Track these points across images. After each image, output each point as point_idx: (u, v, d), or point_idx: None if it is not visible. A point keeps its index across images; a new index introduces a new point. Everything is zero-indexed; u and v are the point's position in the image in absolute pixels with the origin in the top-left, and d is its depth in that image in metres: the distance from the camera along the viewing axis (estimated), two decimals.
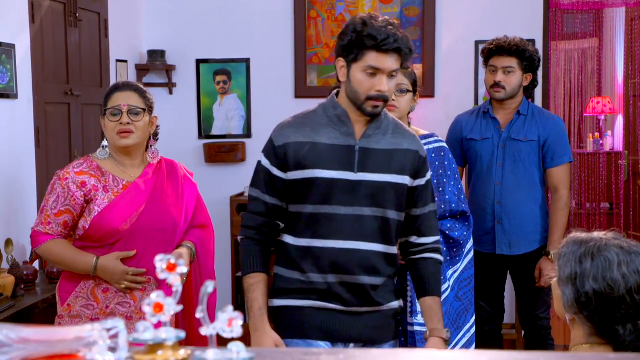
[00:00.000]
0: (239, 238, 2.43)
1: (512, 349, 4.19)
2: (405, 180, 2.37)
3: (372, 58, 2.24)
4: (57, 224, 2.72)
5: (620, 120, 7.53)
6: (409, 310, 2.91)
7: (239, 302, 4.95)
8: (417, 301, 2.68)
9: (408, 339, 2.92)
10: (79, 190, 2.70)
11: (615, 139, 7.90)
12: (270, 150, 2.39)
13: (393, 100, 2.92)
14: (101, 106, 2.81)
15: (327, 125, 2.35)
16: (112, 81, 4.71)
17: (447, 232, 3.01)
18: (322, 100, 2.45)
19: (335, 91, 2.40)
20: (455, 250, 3.03)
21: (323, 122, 2.36)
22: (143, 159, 2.85)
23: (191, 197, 2.92)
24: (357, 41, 2.23)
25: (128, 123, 2.71)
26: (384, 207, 2.34)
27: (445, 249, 2.99)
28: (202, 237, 2.96)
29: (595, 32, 7.73)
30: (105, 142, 2.81)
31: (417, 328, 2.89)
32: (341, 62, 2.30)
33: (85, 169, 2.75)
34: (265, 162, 2.40)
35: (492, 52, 3.63)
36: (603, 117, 8.08)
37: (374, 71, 2.25)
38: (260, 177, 2.40)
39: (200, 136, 5.21)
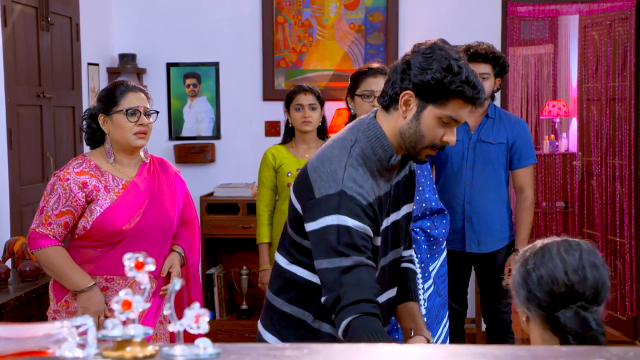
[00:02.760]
0: (347, 320, 1.85)
1: (472, 343, 4.36)
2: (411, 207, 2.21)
3: (457, 108, 1.91)
4: (58, 225, 2.69)
5: (574, 123, 7.76)
6: None
7: (209, 299, 5.06)
8: None
9: None
10: (80, 191, 2.68)
11: (569, 140, 8.13)
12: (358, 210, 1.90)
13: (376, 107, 3.03)
14: (102, 104, 2.78)
15: (375, 173, 1.97)
16: (84, 84, 4.78)
17: (428, 231, 3.06)
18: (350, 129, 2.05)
19: (374, 122, 2.00)
20: (434, 247, 3.08)
21: (375, 168, 1.97)
22: (138, 158, 2.87)
23: (181, 194, 2.97)
24: (449, 85, 1.88)
25: (146, 124, 2.75)
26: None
27: (425, 246, 3.04)
28: (188, 237, 2.99)
29: (550, 38, 7.94)
30: (108, 143, 2.79)
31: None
32: (413, 98, 1.93)
33: (85, 169, 2.73)
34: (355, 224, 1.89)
35: (467, 58, 3.69)
36: (558, 120, 8.31)
37: (450, 121, 1.93)
38: (355, 239, 1.88)
39: (171, 137, 5.30)
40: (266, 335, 2.13)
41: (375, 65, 3.15)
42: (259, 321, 2.22)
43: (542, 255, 1.69)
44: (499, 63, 3.69)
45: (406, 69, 1.92)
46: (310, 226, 1.91)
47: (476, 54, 3.67)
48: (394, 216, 2.08)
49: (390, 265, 2.10)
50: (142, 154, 2.88)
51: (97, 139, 2.82)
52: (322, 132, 3.92)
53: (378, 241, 1.99)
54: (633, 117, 5.07)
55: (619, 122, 5.18)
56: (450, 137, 1.95)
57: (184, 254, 2.95)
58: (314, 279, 1.98)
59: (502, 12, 5.10)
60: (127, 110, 2.73)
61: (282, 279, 2.08)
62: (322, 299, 1.92)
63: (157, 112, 2.85)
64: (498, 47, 5.02)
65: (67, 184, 2.68)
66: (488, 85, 3.69)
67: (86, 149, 4.72)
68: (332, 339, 2.03)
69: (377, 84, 3.00)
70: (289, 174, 3.82)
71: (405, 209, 2.15)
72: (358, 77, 3.07)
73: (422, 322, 2.21)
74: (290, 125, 3.89)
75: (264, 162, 3.91)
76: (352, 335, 1.84)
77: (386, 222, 2.03)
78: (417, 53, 1.92)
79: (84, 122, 2.85)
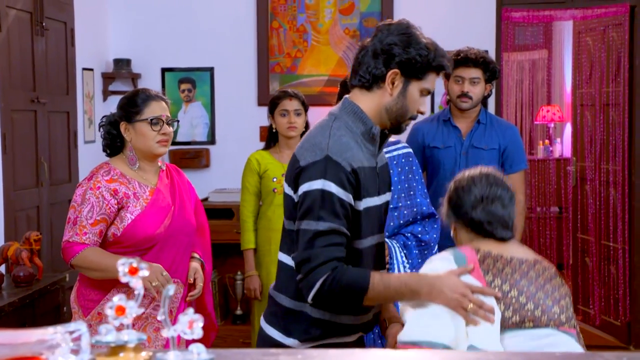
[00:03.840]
0: (321, 279, 1.92)
1: None
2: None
3: (432, 80, 2.09)
4: (94, 234, 2.67)
5: (568, 128, 7.78)
6: None
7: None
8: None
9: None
10: (112, 198, 2.68)
11: (564, 145, 8.16)
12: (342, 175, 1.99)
13: None
14: (124, 111, 2.78)
15: (359, 144, 2.07)
16: (79, 89, 4.78)
17: (419, 236, 3.07)
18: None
19: (348, 101, 2.12)
20: (425, 252, 3.09)
21: (358, 139, 2.08)
22: (157, 165, 2.88)
23: (195, 200, 3.00)
24: (431, 61, 2.05)
25: (168, 133, 2.78)
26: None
27: (417, 251, 3.06)
28: (203, 244, 3.02)
29: (544, 43, 7.96)
30: (131, 151, 2.78)
31: None
32: (399, 76, 2.05)
33: (113, 177, 2.72)
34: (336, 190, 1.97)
35: (458, 62, 3.68)
36: (552, 125, 8.33)
37: (426, 93, 2.11)
38: (335, 206, 1.96)
39: None
40: (270, 330, 2.15)
41: None
42: (262, 317, 2.23)
43: (455, 188, 2.19)
44: (489, 68, 3.71)
45: (388, 50, 2.03)
46: (299, 191, 1.99)
47: (466, 58, 3.68)
48: (376, 200, 2.13)
49: (370, 250, 2.13)
50: (159, 161, 2.91)
51: (116, 145, 2.82)
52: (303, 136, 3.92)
53: (360, 206, 2.05)
54: (627, 122, 5.09)
55: (612, 128, 5.20)
56: (424, 107, 2.13)
57: (202, 260, 2.98)
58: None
59: (497, 18, 5.12)
60: (151, 120, 2.75)
61: (283, 274, 2.13)
62: (292, 256, 2.01)
63: (178, 121, 2.91)
64: (493, 52, 5.04)
65: (99, 192, 2.68)
66: (478, 90, 3.70)
67: (81, 154, 4.72)
68: (335, 327, 2.09)
69: None
70: (275, 179, 3.82)
71: (385, 197, 2.20)
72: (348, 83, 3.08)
73: (394, 310, 2.29)
74: (274, 130, 3.89)
75: (248, 168, 3.90)
76: (330, 289, 1.92)
77: (368, 203, 2.08)
78: (390, 34, 2.05)
79: (102, 129, 2.84)
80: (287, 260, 2.10)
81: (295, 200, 2.02)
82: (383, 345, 2.97)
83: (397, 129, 2.13)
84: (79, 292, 2.78)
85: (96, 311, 2.75)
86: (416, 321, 2.00)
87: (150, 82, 5.23)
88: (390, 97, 2.07)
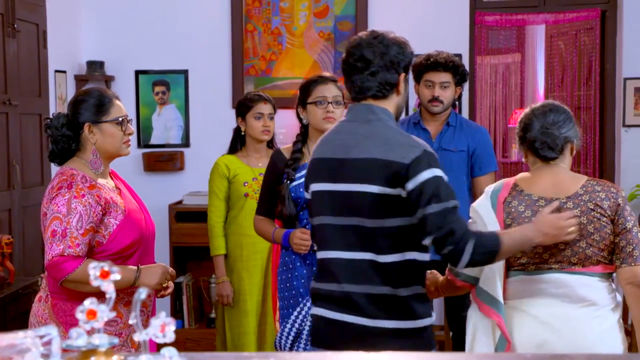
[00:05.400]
0: (469, 247, 2.20)
1: (441, 350, 4.39)
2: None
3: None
4: (85, 244, 2.49)
5: None
6: None
7: (178, 308, 5.03)
8: None
9: None
10: (97, 205, 2.53)
11: None
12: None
13: (332, 112, 3.08)
14: (89, 112, 2.62)
15: None
16: (51, 91, 4.74)
17: None
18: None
19: (380, 108, 2.37)
20: None
21: None
22: (108, 167, 2.75)
23: None
24: (411, 57, 2.40)
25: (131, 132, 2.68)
26: None
27: None
28: None
29: (517, 47, 8.03)
30: (93, 154, 2.63)
31: None
32: (403, 76, 2.37)
33: (91, 183, 2.57)
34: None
35: (428, 67, 3.71)
36: None
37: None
38: (449, 188, 2.27)
39: (139, 145, 5.27)
40: (386, 323, 2.28)
41: (324, 74, 3.24)
42: (361, 319, 2.28)
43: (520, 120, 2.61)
44: (459, 72, 3.74)
45: (393, 60, 2.32)
46: (408, 186, 2.21)
47: (436, 63, 3.71)
48: None
49: None
50: None
51: (70, 149, 2.65)
52: (271, 141, 3.93)
53: None
54: (598, 125, 5.15)
55: (584, 131, 5.26)
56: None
57: None
58: (425, 256, 2.33)
59: (470, 22, 5.16)
60: (120, 120, 2.63)
61: (398, 269, 2.28)
62: (429, 239, 2.22)
63: (131, 120, 2.77)
64: (466, 56, 5.08)
65: (85, 200, 2.51)
66: (449, 94, 3.74)
67: None
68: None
69: (329, 91, 3.09)
70: (245, 184, 3.81)
71: None
72: (309, 87, 3.13)
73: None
74: (242, 133, 3.88)
75: (216, 173, 3.86)
76: (478, 253, 2.21)
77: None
78: (388, 46, 2.33)
79: (50, 132, 2.65)
80: (387, 258, 2.27)
81: (403, 195, 2.22)
82: None
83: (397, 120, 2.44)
84: (56, 308, 2.57)
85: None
86: None
87: (124, 84, 5.20)
88: (399, 97, 2.38)
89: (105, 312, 1.35)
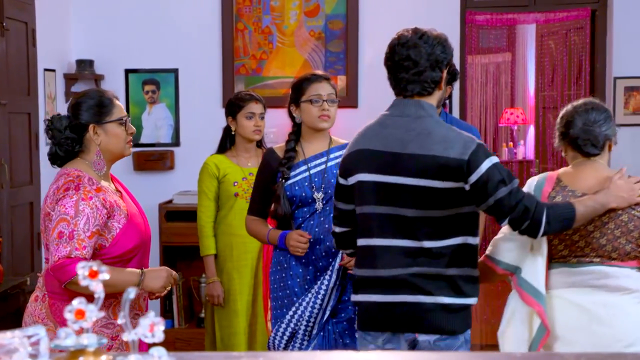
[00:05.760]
0: (544, 218, 2.40)
1: None
2: None
3: None
4: (91, 247, 2.48)
5: (532, 130, 7.87)
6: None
7: (167, 307, 5.01)
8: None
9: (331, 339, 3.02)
10: (103, 207, 2.52)
11: (527, 148, 8.26)
12: None
13: (327, 110, 3.08)
14: (93, 113, 2.61)
15: None
16: (40, 90, 4.72)
17: None
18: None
19: (428, 104, 2.52)
20: None
21: None
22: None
23: None
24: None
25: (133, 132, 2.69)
26: None
27: None
28: None
29: (508, 46, 8.06)
30: (97, 155, 2.62)
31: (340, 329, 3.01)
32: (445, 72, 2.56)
33: (96, 185, 2.56)
34: None
35: None
36: (516, 128, 8.43)
37: None
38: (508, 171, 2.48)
39: None
40: (443, 299, 2.42)
41: (317, 72, 3.23)
42: (417, 296, 2.41)
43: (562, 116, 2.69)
44: (449, 71, 3.74)
45: (438, 59, 2.47)
46: (474, 177, 2.36)
47: None
48: None
49: None
50: None
51: (74, 151, 2.63)
52: (260, 140, 3.92)
53: None
54: None
55: None
56: None
57: None
58: (477, 240, 2.49)
59: (461, 21, 5.16)
60: (125, 119, 2.64)
61: (450, 253, 2.42)
62: (506, 220, 2.40)
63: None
64: (457, 55, 5.07)
65: (92, 202, 2.50)
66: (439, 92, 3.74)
67: (43, 156, 4.65)
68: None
69: (324, 89, 3.08)
70: (235, 184, 3.79)
71: None
72: (302, 85, 3.11)
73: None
74: (233, 132, 3.86)
75: (205, 173, 3.84)
76: (553, 222, 2.40)
77: None
78: (433, 46, 2.47)
79: (52, 134, 2.62)
80: (443, 243, 2.41)
81: (467, 188, 2.37)
82: (344, 342, 3.01)
83: None
84: (53, 308, 2.55)
85: None
86: (499, 242, 2.60)
87: (114, 83, 5.18)
88: (440, 92, 2.53)
89: (94, 312, 1.35)
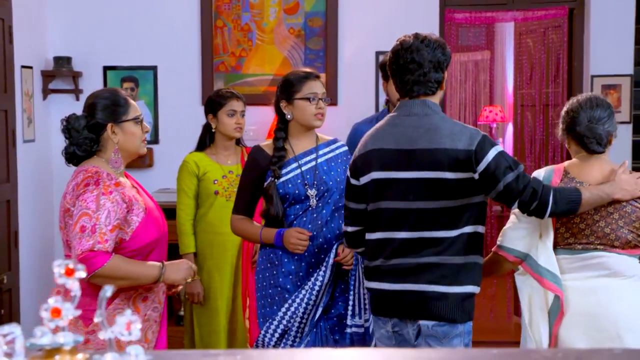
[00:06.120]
0: (550, 199, 2.56)
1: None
2: None
3: None
4: (112, 240, 2.52)
5: (510, 128, 7.93)
6: (349, 312, 3.01)
7: None
8: (356, 303, 2.91)
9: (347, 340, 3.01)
10: (123, 202, 2.57)
11: (506, 145, 8.31)
12: None
13: (322, 108, 3.08)
14: (110, 112, 2.65)
15: None
16: (17, 87, 4.67)
17: None
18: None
19: (432, 102, 2.69)
20: None
21: None
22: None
23: None
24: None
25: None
26: None
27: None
28: None
29: (487, 44, 8.10)
30: (116, 153, 2.66)
31: (355, 329, 3.00)
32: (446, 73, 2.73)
33: (115, 180, 2.61)
34: None
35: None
36: (495, 125, 8.48)
37: None
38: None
39: None
40: (447, 288, 2.56)
41: (307, 69, 3.22)
42: (421, 285, 2.57)
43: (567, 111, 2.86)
44: None
45: (439, 61, 2.62)
46: (482, 166, 2.51)
47: None
48: None
49: None
50: None
51: (91, 151, 2.67)
52: (239, 138, 3.92)
53: None
54: None
55: (552, 128, 5.31)
56: None
57: None
58: (483, 229, 2.64)
59: (440, 19, 5.18)
60: (140, 118, 2.72)
61: (460, 241, 2.57)
62: (516, 203, 2.55)
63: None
64: None
65: (112, 197, 2.55)
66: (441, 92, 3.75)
67: (20, 154, 4.61)
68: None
69: (318, 87, 3.10)
70: (215, 182, 3.78)
71: None
72: (296, 82, 3.08)
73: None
74: (213, 130, 3.85)
75: (185, 171, 3.83)
76: (560, 202, 2.57)
77: None
78: (434, 49, 2.62)
79: (71, 134, 2.64)
80: (453, 232, 2.55)
81: (476, 177, 2.51)
82: (335, 339, 3.01)
83: None
84: (84, 302, 2.51)
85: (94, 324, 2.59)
86: (509, 231, 2.77)
87: (92, 80, 5.14)
88: (442, 91, 2.70)
89: (70, 310, 1.34)
